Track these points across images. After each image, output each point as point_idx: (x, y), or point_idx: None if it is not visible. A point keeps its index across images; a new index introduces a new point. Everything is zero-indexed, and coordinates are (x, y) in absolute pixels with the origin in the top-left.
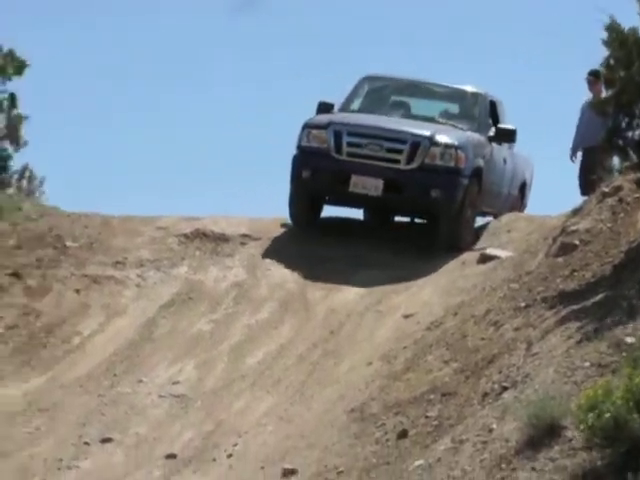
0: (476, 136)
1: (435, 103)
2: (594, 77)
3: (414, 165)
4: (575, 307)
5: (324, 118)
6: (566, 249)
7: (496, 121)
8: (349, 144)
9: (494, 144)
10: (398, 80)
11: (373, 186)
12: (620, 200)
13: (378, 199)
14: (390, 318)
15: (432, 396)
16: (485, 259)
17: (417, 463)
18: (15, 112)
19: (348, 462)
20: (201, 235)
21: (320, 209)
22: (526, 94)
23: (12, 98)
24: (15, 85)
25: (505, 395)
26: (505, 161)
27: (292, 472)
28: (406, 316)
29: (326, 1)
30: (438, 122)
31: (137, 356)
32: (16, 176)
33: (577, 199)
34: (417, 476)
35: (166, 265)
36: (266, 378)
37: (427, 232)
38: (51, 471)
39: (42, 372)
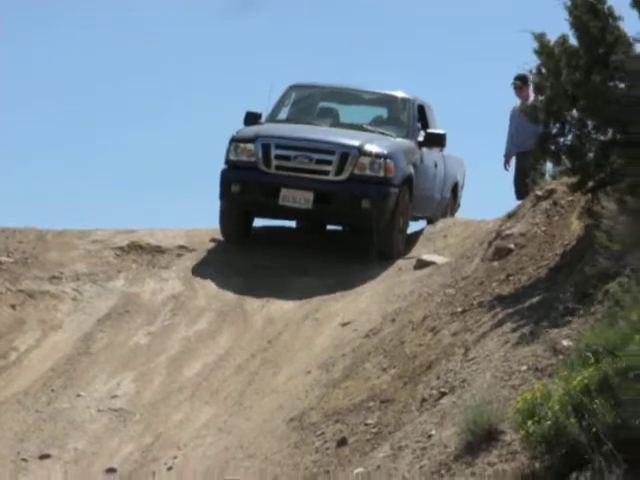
0: (406, 143)
1: (363, 109)
2: (521, 82)
3: (343, 176)
4: (511, 311)
5: (251, 130)
6: (501, 253)
7: (426, 125)
8: (277, 157)
9: (424, 149)
10: (325, 87)
11: (303, 198)
12: (554, 203)
13: (309, 211)
14: (328, 326)
15: (371, 403)
16: (421, 265)
17: (357, 471)
18: None
19: (289, 472)
20: (137, 247)
21: (251, 223)
22: (458, 96)
23: None
24: None
25: (443, 401)
26: (436, 165)
27: None
28: (344, 324)
29: (325, 4)
30: (367, 129)
31: (75, 370)
32: None
33: (512, 203)
34: None
35: (102, 278)
36: (204, 389)
37: (360, 240)
38: None
39: None
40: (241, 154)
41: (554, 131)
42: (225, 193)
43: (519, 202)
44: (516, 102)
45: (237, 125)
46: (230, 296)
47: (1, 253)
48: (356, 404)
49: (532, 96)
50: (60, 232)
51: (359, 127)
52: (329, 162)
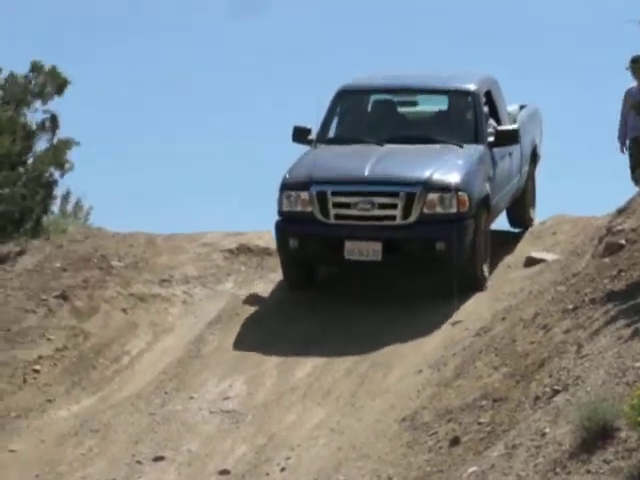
0: (476, 154)
1: (423, 111)
2: (638, 64)
3: (412, 219)
4: (624, 307)
5: (301, 172)
6: (612, 249)
7: (495, 113)
8: (336, 205)
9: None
10: (376, 88)
11: (371, 250)
12: None
13: (379, 263)
14: (438, 326)
15: (483, 402)
16: (531, 262)
17: (471, 470)
18: (58, 136)
19: (402, 471)
20: (246, 250)
21: (316, 271)
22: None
23: (53, 119)
24: (56, 105)
25: (557, 398)
26: (510, 153)
27: None
28: (454, 323)
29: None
30: (429, 139)
31: (186, 373)
32: (59, 200)
33: (621, 199)
34: None
35: (212, 281)
36: (316, 390)
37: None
38: None
39: (92, 392)
40: (295, 204)
41: None
42: (283, 248)
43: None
44: (632, 84)
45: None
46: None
47: (112, 258)
48: (468, 403)
49: None
50: (169, 236)
51: (420, 139)
52: (394, 206)
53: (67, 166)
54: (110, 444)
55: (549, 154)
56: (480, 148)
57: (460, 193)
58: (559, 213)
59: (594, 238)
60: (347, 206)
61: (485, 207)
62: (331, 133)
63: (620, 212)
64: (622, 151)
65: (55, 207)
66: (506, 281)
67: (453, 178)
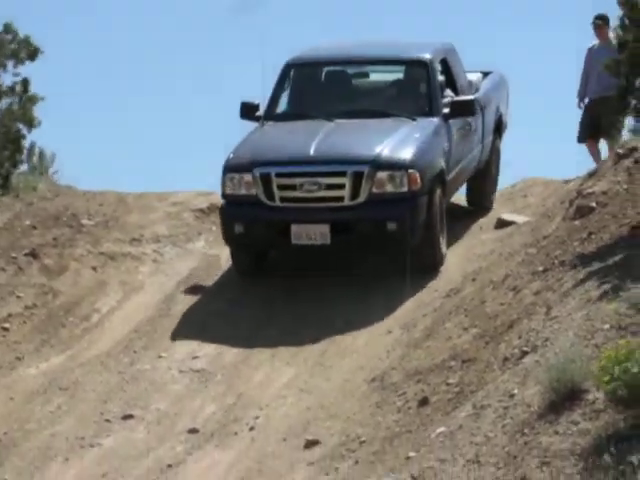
0: (430, 127)
1: (376, 82)
2: (602, 21)
3: (361, 199)
4: (593, 269)
5: (245, 153)
6: (583, 212)
7: (452, 82)
8: (281, 187)
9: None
10: (327, 59)
11: (318, 233)
12: (636, 161)
13: (327, 247)
14: (408, 286)
15: (452, 363)
16: (502, 224)
17: (439, 430)
18: (28, 95)
19: (370, 431)
20: (217, 209)
21: (265, 255)
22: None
23: (24, 82)
24: (28, 70)
25: (525, 360)
26: (470, 125)
27: (315, 443)
28: (424, 284)
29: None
30: (381, 113)
31: (156, 332)
32: (25, 152)
33: (591, 162)
34: (439, 443)
35: (182, 240)
36: (284, 350)
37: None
38: (73, 449)
39: (62, 351)
40: (238, 187)
41: (637, 85)
42: (228, 235)
43: (581, 145)
44: (594, 42)
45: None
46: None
47: (82, 216)
48: (437, 364)
49: (611, 36)
50: (140, 194)
51: (372, 113)
52: (341, 186)
53: (35, 122)
54: (79, 402)
55: (520, 117)
56: (434, 121)
57: (411, 170)
58: (530, 176)
59: (564, 201)
60: (292, 188)
61: (440, 183)
62: (279, 109)
63: (591, 175)
64: (579, 106)
65: (24, 166)
66: (477, 242)
67: (404, 155)
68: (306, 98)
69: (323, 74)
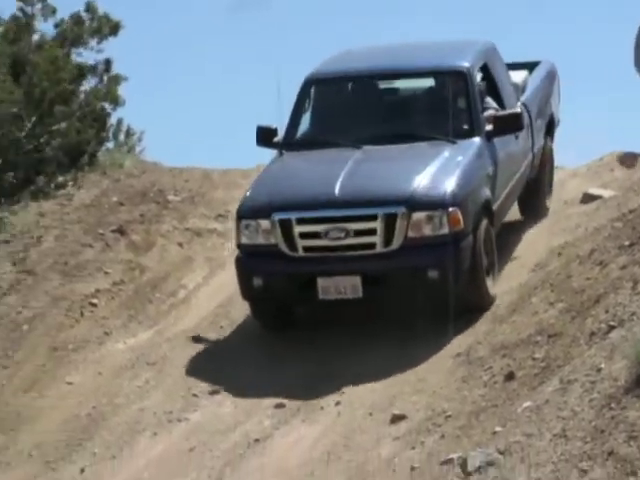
0: (471, 152)
1: (408, 100)
2: None
3: (395, 245)
4: None
5: (261, 195)
6: None
7: (494, 89)
8: (303, 235)
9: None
10: (350, 75)
11: (349, 287)
12: None
13: (360, 301)
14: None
15: (538, 338)
16: (588, 199)
17: (525, 405)
18: (111, 74)
19: (456, 406)
20: None
21: (290, 310)
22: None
23: (107, 62)
24: (110, 45)
25: (612, 334)
26: (517, 137)
27: (401, 418)
28: (510, 259)
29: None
30: (413, 137)
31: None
32: (112, 130)
33: None
34: (526, 418)
35: None
36: (368, 327)
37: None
38: (161, 424)
39: (149, 326)
40: (256, 235)
41: None
42: (246, 290)
43: None
44: None
45: None
46: None
47: (168, 192)
48: (523, 339)
49: None
50: (225, 171)
51: (405, 137)
52: (372, 231)
53: (119, 101)
54: (166, 377)
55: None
56: (476, 142)
57: (452, 209)
58: (616, 150)
59: None
60: (316, 235)
61: (486, 215)
62: (300, 134)
63: None
64: None
65: (110, 144)
66: (563, 217)
67: (442, 190)
68: (329, 121)
69: (348, 91)
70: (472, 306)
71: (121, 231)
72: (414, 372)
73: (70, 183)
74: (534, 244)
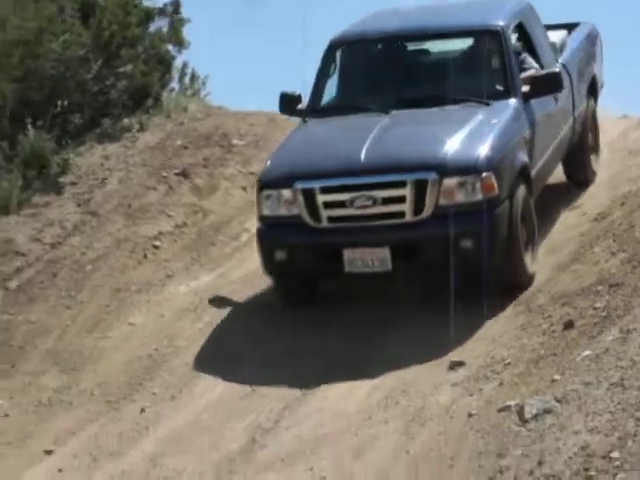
0: (507, 115)
1: (439, 63)
2: None
3: (426, 214)
4: None
5: (283, 164)
6: None
7: (531, 49)
8: (327, 205)
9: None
10: (380, 35)
11: (377, 259)
12: None
13: (389, 274)
14: (555, 210)
15: (599, 287)
16: None
17: (585, 354)
18: (178, 16)
19: (515, 353)
20: None
21: (316, 284)
22: None
23: (176, 4)
24: None
25: None
26: (556, 98)
27: (459, 364)
28: (572, 208)
29: None
30: (447, 100)
31: None
32: (177, 74)
33: None
34: (585, 367)
35: None
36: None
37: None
38: (221, 367)
39: (211, 269)
40: (277, 206)
41: None
42: (268, 264)
43: None
44: None
45: None
46: None
47: (233, 136)
48: (584, 288)
49: None
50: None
51: (436, 99)
52: (401, 199)
53: (185, 44)
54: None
55: None
56: (512, 103)
57: (485, 174)
58: None
59: None
60: (342, 205)
61: (524, 182)
62: (325, 100)
63: None
64: None
65: (174, 81)
66: (626, 167)
67: (475, 153)
68: (356, 85)
69: (375, 54)
70: (507, 284)
71: (185, 174)
72: (473, 319)
73: (135, 126)
74: (597, 194)
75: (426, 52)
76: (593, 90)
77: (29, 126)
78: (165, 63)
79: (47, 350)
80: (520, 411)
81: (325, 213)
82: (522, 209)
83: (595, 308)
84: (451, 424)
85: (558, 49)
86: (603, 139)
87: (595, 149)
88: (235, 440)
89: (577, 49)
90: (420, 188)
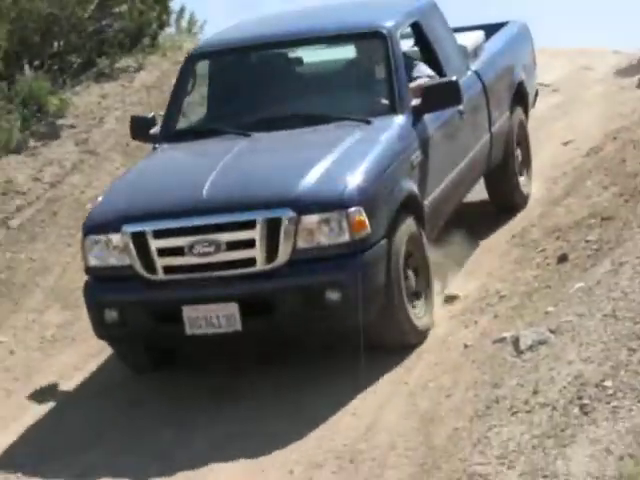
0: (389, 134)
1: (314, 74)
2: None
3: (281, 259)
4: None
5: (114, 202)
6: None
7: (429, 53)
8: (162, 252)
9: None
10: (243, 44)
11: (223, 317)
12: None
13: (239, 334)
14: (549, 145)
15: (592, 221)
16: None
17: (577, 285)
18: None
19: (509, 286)
20: None
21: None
22: None
23: None
24: None
25: None
26: (461, 113)
27: (454, 298)
28: (565, 143)
29: None
30: (322, 118)
31: None
32: (174, 16)
33: None
34: (577, 298)
35: None
36: None
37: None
38: None
39: None
40: (106, 255)
41: None
42: (98, 325)
43: None
44: None
45: None
46: None
47: None
48: (577, 221)
49: None
50: None
51: (307, 119)
52: (251, 243)
53: None
54: None
55: None
56: (398, 120)
57: (353, 209)
58: None
59: None
60: (179, 252)
61: (410, 214)
62: (181, 122)
63: None
64: None
65: (171, 24)
66: (618, 102)
67: (340, 185)
68: (216, 104)
69: (239, 66)
70: (388, 343)
71: None
72: (467, 256)
73: (132, 65)
74: (589, 128)
75: (298, 62)
76: (521, 99)
77: (26, 66)
78: (162, 3)
79: (49, 287)
80: (515, 342)
81: (160, 262)
82: (408, 248)
83: (587, 241)
84: (448, 356)
85: (471, 53)
86: (601, 71)
87: (526, 168)
88: None
89: (497, 53)
90: (273, 229)
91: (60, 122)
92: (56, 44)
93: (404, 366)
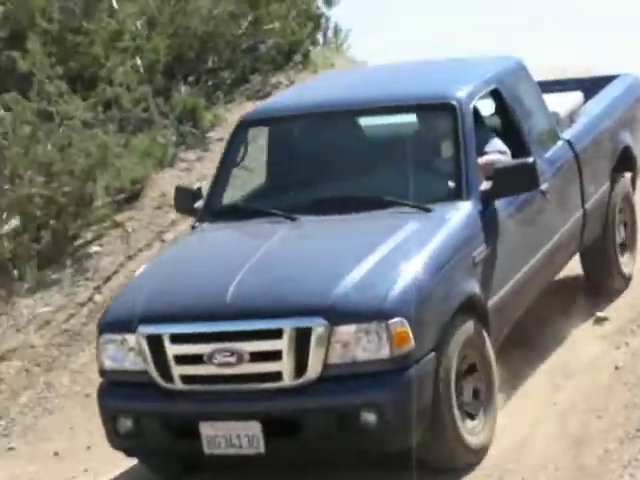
0: (452, 224)
1: (375, 147)
2: None
3: (310, 376)
4: None
5: (131, 299)
6: None
7: (510, 126)
8: (179, 359)
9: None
10: (296, 114)
11: (244, 438)
12: None
13: (260, 457)
14: None
15: None
16: None
17: None
18: None
19: None
20: None
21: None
22: None
23: None
24: None
25: None
26: (544, 193)
27: (604, 319)
28: None
29: None
30: (378, 203)
31: None
32: (322, 31)
33: None
34: None
35: None
36: None
37: None
38: None
39: None
40: (120, 357)
41: None
42: (112, 433)
43: None
44: None
45: None
46: None
47: None
48: None
49: None
50: None
51: (361, 202)
52: (276, 354)
53: (333, 0)
54: None
55: None
56: (463, 208)
57: (394, 320)
58: None
59: None
60: (199, 360)
61: (471, 318)
62: (228, 196)
63: None
64: None
65: (320, 40)
66: None
67: (382, 291)
68: (269, 178)
69: (292, 137)
70: (435, 467)
71: None
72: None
73: (284, 82)
74: None
75: (356, 132)
76: (627, 167)
77: (181, 83)
78: (314, 19)
79: None
80: None
81: (177, 370)
82: (466, 357)
83: None
84: (598, 376)
85: (565, 120)
86: None
87: (630, 246)
88: None
89: (598, 115)
90: (302, 340)
91: (214, 137)
92: (210, 60)
93: (554, 385)
